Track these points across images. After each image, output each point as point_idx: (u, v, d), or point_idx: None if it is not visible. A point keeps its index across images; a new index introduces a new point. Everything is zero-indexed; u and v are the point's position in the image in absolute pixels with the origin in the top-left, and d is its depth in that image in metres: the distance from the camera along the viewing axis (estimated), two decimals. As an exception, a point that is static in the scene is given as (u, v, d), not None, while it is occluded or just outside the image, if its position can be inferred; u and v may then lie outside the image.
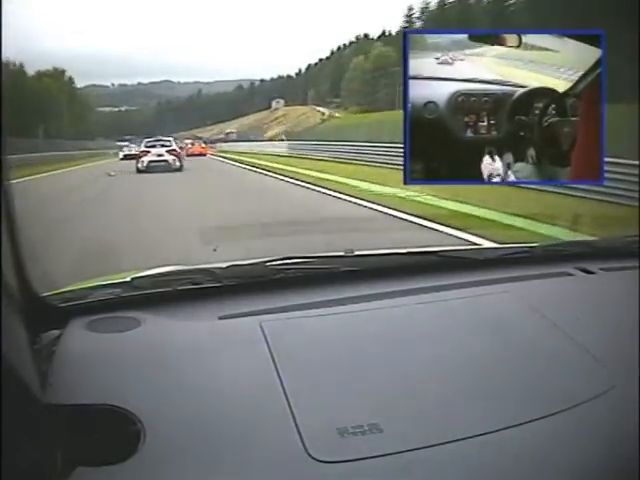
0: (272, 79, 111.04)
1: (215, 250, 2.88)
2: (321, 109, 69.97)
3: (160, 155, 17.51)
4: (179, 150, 19.07)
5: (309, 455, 0.70)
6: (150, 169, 16.67)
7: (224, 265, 1.14)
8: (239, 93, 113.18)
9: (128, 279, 1.09)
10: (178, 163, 17.53)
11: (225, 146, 42.49)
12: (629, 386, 0.85)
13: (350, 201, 8.45)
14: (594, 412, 0.82)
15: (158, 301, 1.05)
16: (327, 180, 11.43)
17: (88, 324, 0.96)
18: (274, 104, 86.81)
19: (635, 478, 0.73)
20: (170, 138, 20.22)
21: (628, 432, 0.78)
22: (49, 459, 0.67)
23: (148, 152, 17.68)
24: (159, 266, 1.18)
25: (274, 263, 1.16)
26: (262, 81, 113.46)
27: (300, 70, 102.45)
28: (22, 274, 0.86)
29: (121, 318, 0.99)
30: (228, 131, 70.03)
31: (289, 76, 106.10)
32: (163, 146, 18.11)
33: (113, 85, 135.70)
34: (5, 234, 0.72)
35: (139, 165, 17.25)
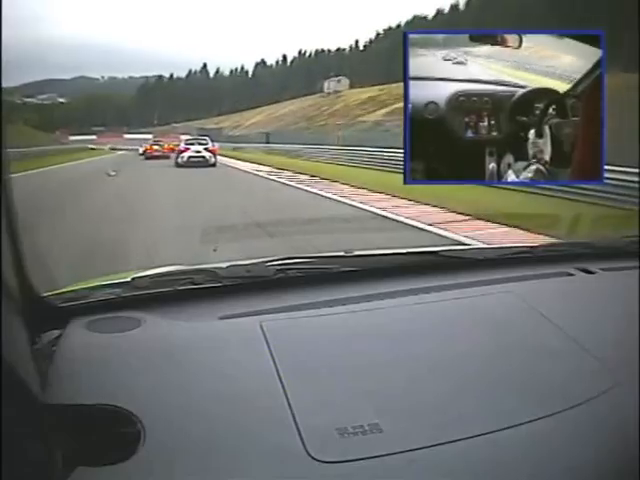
0: (318, 52, 75.52)
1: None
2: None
3: (198, 152, 19.68)
4: (213, 147, 21.13)
5: (309, 455, 0.70)
6: (189, 164, 18.61)
7: (224, 265, 1.14)
8: (262, 72, 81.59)
9: (128, 279, 1.09)
10: (213, 159, 19.63)
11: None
12: (629, 386, 0.85)
13: None
14: (594, 412, 0.82)
15: (158, 301, 1.05)
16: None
17: (88, 324, 0.96)
18: (330, 85, 54.00)
19: (635, 478, 0.73)
20: (206, 137, 22.01)
21: (628, 432, 0.78)
22: (49, 459, 0.67)
23: (188, 149, 19.90)
24: (159, 266, 1.18)
25: (274, 263, 1.16)
26: (301, 55, 78.42)
27: (357, 41, 72.65)
28: (22, 274, 0.86)
29: (121, 318, 0.99)
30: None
31: (339, 48, 74.99)
32: (200, 144, 20.40)
33: (103, 77, 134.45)
34: (5, 234, 0.72)
35: (179, 160, 19.32)
